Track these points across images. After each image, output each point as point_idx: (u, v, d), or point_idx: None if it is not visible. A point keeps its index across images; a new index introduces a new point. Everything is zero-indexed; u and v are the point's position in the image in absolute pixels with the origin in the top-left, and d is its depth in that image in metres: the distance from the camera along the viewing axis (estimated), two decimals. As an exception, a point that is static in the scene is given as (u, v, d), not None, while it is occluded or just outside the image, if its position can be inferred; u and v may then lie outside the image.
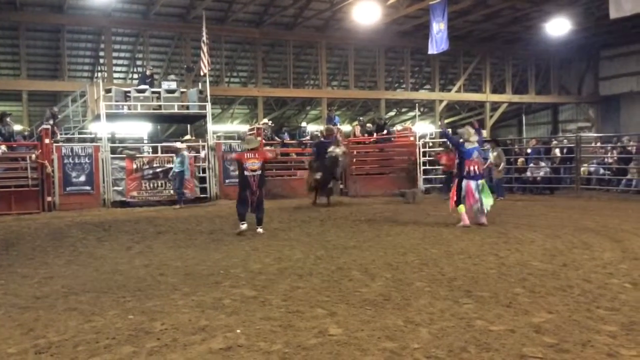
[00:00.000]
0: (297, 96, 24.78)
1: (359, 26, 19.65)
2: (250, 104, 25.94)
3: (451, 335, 3.88)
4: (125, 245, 8.48)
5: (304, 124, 22.37)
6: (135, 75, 21.43)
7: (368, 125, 19.86)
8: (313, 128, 21.16)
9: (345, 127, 22.95)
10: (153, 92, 16.11)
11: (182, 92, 16.48)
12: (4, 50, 20.10)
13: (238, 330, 4.04)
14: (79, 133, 17.47)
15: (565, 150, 17.95)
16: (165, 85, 16.36)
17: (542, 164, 17.13)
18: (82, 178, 14.33)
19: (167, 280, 5.87)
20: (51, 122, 15.22)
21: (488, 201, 9.37)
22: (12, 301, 5.17)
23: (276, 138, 18.02)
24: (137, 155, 15.46)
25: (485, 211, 9.36)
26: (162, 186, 15.10)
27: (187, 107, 16.53)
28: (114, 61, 21.13)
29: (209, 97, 16.45)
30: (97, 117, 15.83)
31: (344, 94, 25.19)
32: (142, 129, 20.50)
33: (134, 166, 14.90)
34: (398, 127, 21.97)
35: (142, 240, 8.88)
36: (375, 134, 18.84)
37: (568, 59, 27.57)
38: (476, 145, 9.46)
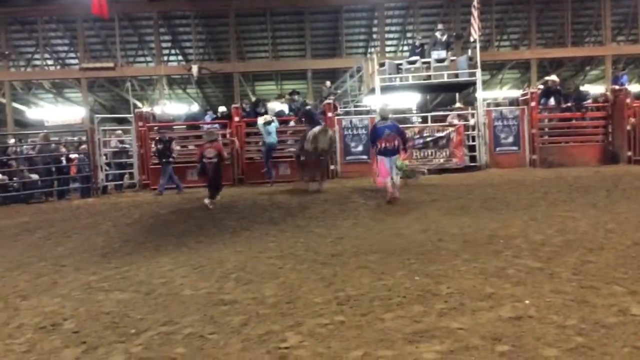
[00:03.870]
0: (575, 55, 22.65)
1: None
2: (521, 68, 24.60)
3: None
4: (402, 211, 8.89)
5: (586, 86, 20.34)
6: (405, 48, 22.05)
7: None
8: (595, 90, 19.11)
9: (634, 87, 20.20)
10: (423, 63, 16.35)
11: (451, 61, 16.37)
12: (291, 34, 22.70)
13: (527, 301, 3.95)
14: (355, 106, 18.72)
15: None
16: (435, 54, 16.42)
17: None
18: (360, 148, 15.39)
19: (447, 247, 6.00)
20: (332, 97, 16.68)
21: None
22: (313, 257, 5.88)
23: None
24: (409, 126, 15.95)
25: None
26: (432, 155, 15.37)
27: (456, 76, 16.38)
28: (386, 35, 22.08)
29: (479, 63, 16.05)
30: (371, 91, 16.76)
31: (632, 49, 22.20)
32: (411, 100, 21.04)
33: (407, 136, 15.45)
34: None
35: (418, 206, 9.18)
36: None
37: None
38: (388, 123, 9.95)
